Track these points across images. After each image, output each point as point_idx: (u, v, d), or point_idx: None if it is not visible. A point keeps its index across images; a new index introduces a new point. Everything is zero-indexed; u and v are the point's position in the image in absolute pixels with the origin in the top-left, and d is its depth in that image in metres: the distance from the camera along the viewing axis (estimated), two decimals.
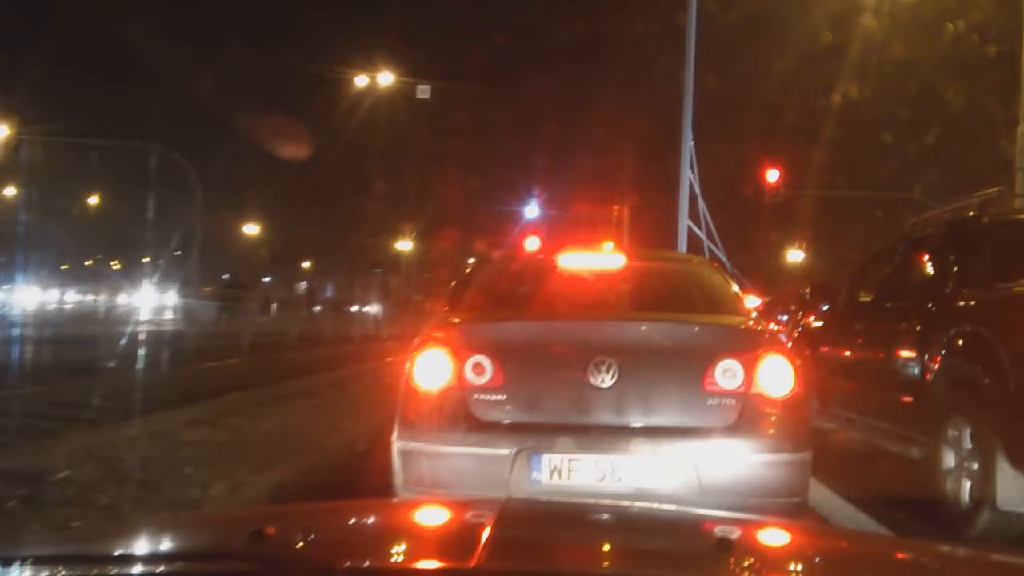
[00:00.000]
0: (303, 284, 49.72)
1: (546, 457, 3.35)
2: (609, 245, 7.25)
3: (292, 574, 1.32)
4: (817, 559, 1.66)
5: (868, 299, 6.31)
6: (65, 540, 2.07)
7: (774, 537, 1.84)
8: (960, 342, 4.51)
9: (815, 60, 17.83)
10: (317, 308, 34.78)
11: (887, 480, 5.29)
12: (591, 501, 2.69)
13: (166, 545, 1.62)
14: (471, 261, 5.23)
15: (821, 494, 4.56)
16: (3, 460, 5.09)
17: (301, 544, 1.58)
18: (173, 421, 6.62)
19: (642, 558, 1.52)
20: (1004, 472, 3.92)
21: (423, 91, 22.59)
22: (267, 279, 45.79)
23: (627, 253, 4.89)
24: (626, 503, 2.43)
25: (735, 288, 4.43)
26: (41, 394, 8.50)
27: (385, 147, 33.59)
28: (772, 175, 20.58)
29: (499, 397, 3.48)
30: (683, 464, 3.34)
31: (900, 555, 1.78)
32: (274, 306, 32.08)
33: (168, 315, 26.36)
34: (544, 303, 4.24)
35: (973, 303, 4.64)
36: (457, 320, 3.96)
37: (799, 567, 1.61)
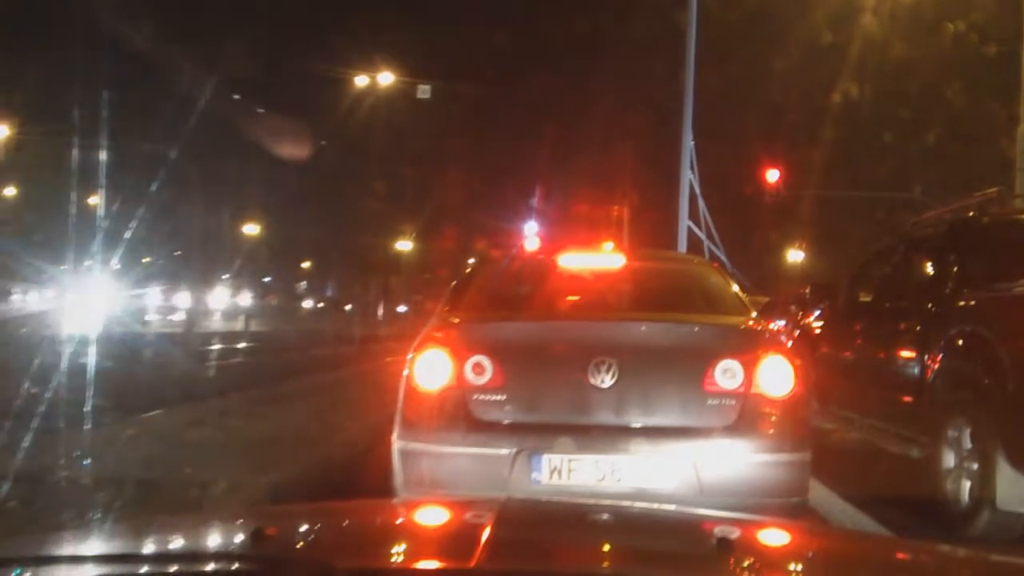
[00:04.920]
0: (303, 284, 49.96)
1: (546, 457, 3.35)
2: (609, 245, 7.24)
3: (292, 574, 1.32)
4: (817, 559, 1.66)
5: (868, 299, 6.31)
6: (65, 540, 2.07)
7: (774, 537, 1.85)
8: (960, 342, 4.51)
9: (815, 60, 17.83)
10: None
11: (887, 480, 5.28)
12: (591, 501, 2.69)
13: (166, 545, 1.62)
14: (471, 261, 5.23)
15: (821, 494, 4.55)
16: None
17: (301, 544, 1.59)
18: None
19: (642, 558, 1.52)
20: (1004, 472, 3.92)
21: (423, 91, 22.63)
22: (267, 279, 45.96)
23: (627, 253, 4.88)
24: (626, 503, 2.43)
25: (735, 288, 4.43)
26: None
27: (385, 147, 33.59)
28: (772, 175, 20.60)
29: (499, 397, 3.48)
30: (683, 464, 3.34)
31: (900, 555, 1.78)
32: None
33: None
34: (544, 303, 4.24)
35: (973, 303, 4.64)
36: (457, 320, 3.96)
37: (799, 567, 1.61)
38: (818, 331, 7.17)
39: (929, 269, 5.37)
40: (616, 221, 26.00)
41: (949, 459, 4.44)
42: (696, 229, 17.67)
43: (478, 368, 3.49)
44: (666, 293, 4.39)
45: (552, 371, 3.54)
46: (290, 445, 6.06)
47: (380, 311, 34.22)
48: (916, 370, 4.96)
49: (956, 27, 14.17)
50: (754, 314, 4.11)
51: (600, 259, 4.73)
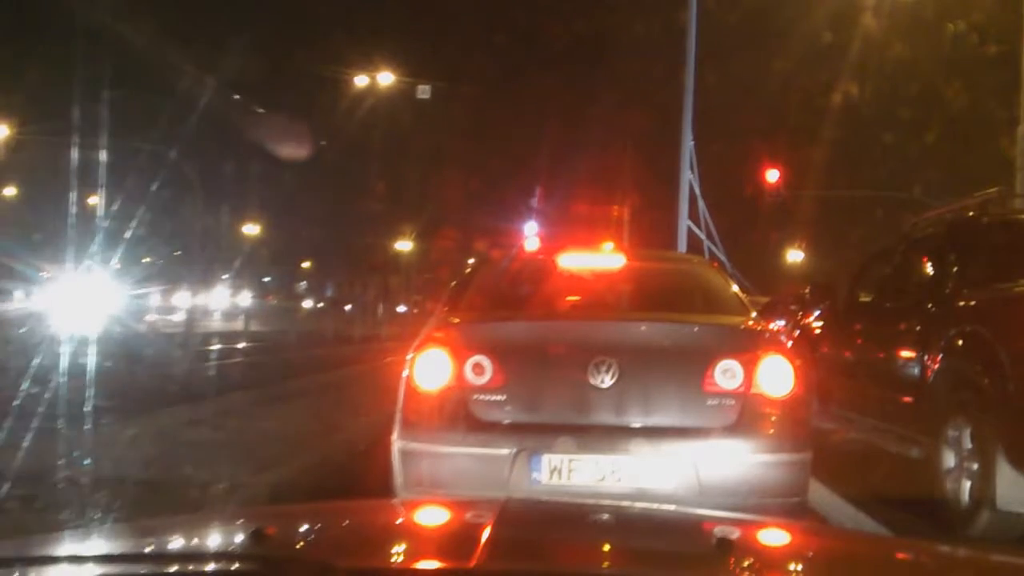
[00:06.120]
0: (303, 284, 50.07)
1: (546, 457, 3.35)
2: (609, 245, 7.24)
3: (292, 574, 1.32)
4: (817, 559, 1.66)
5: (868, 299, 6.32)
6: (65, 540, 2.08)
7: (774, 537, 1.85)
8: (960, 342, 4.51)
9: (815, 60, 17.82)
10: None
11: (887, 480, 5.28)
12: (591, 501, 2.69)
13: (166, 545, 1.62)
14: (471, 261, 5.24)
15: (821, 494, 4.56)
16: None
17: (301, 544, 1.59)
18: None
19: (642, 558, 1.52)
20: (1004, 472, 3.92)
21: (423, 91, 22.58)
22: (267, 279, 46.04)
23: (627, 253, 4.89)
24: (626, 503, 2.43)
25: (735, 288, 4.43)
26: None
27: (385, 147, 33.60)
28: (772, 175, 20.59)
29: (499, 397, 3.48)
30: (683, 464, 3.34)
31: (900, 555, 1.78)
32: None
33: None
34: (544, 303, 4.25)
35: (973, 303, 4.64)
36: (457, 320, 3.96)
37: (799, 567, 1.61)
38: (818, 331, 7.17)
39: (929, 269, 5.37)
40: (616, 221, 25.98)
41: (949, 459, 4.44)
42: (696, 229, 17.68)
43: (478, 368, 3.49)
44: (666, 293, 4.39)
45: (552, 371, 3.54)
46: (290, 445, 6.06)
47: (380, 311, 34.32)
48: (916, 370, 4.96)
49: (956, 27, 14.16)
50: (754, 314, 4.11)
51: (600, 259, 4.73)
